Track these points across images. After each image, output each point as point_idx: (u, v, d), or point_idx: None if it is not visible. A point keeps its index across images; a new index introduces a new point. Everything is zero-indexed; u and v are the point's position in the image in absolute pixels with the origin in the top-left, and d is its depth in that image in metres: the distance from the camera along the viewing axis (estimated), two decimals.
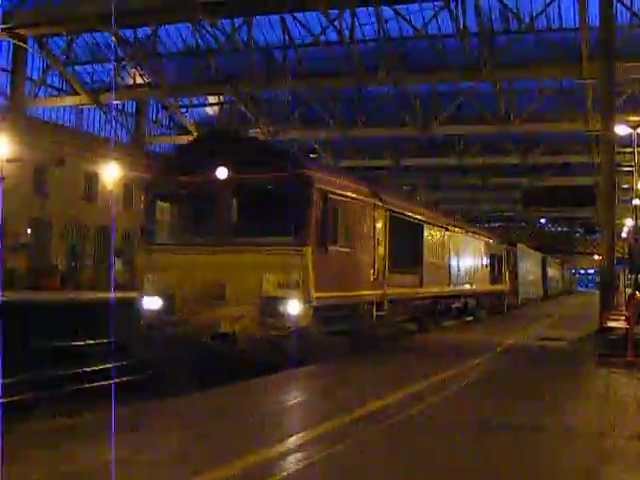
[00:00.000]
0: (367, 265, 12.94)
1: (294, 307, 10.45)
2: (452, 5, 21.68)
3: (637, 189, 28.04)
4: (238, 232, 11.19)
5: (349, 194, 12.28)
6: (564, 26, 23.53)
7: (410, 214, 16.10)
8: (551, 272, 58.08)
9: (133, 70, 29.60)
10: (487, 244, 25.34)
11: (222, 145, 11.55)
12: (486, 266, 24.99)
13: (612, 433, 6.62)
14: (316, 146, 35.22)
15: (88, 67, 30.38)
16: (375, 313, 13.42)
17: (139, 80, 29.88)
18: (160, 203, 12.08)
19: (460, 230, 21.42)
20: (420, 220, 16.88)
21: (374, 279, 13.14)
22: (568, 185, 36.37)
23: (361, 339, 12.95)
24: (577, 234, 68.22)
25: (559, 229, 73.68)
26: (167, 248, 11.58)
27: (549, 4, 21.71)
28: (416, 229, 16.65)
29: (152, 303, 11.04)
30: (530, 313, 29.78)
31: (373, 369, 10.81)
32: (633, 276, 24.07)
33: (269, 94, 30.46)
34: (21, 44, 26.91)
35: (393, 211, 14.38)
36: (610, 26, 18.52)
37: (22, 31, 25.66)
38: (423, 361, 11.92)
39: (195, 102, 34.10)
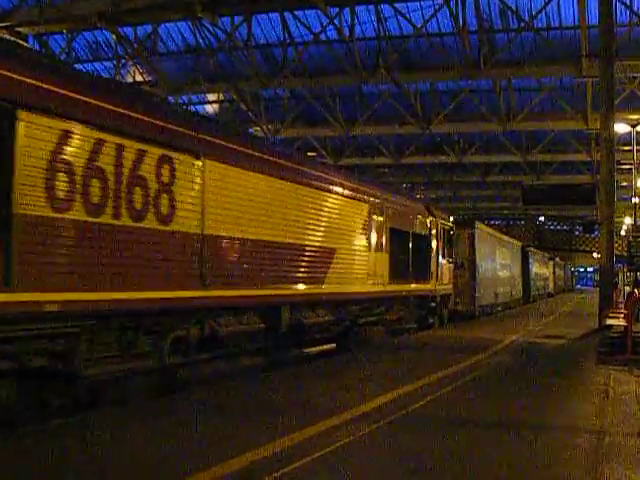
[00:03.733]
0: None
1: None
2: (452, 3, 21.67)
3: (636, 187, 28.13)
4: None
5: None
6: (563, 24, 23.54)
7: None
8: (537, 268, 46.14)
9: (133, 68, 29.58)
10: (381, 211, 14.67)
11: None
12: (377, 251, 14.41)
13: (612, 430, 6.69)
14: (316, 144, 35.21)
15: (88, 65, 30.34)
16: None
17: (139, 78, 29.84)
18: None
19: (265, 167, 10.25)
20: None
21: None
22: (568, 183, 36.36)
23: None
24: (577, 232, 68.18)
25: (558, 227, 73.71)
26: None
27: (548, 2, 21.71)
28: None
29: None
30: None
31: None
32: (632, 274, 24.19)
33: (269, 92, 30.45)
34: (22, 42, 26.88)
35: None
36: (609, 25, 18.61)
37: (22, 29, 25.63)
38: None
39: (195, 100, 34.04)
